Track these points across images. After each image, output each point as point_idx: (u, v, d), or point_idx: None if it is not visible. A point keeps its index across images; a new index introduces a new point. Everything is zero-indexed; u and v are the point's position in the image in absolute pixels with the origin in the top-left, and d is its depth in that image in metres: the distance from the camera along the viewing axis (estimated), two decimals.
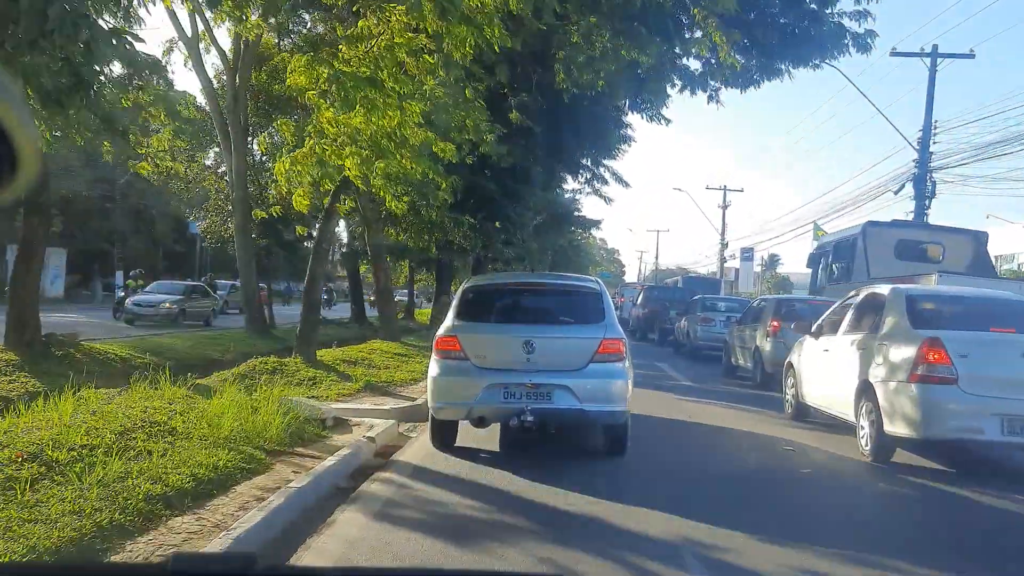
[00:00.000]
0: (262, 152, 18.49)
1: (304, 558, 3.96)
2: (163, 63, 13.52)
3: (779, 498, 5.76)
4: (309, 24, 16.50)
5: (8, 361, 9.19)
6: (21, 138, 0.98)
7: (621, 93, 14.48)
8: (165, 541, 3.88)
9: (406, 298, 37.39)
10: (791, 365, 9.58)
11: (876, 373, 6.97)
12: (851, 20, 11.28)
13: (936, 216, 21.74)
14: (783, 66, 13.92)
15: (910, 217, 21.87)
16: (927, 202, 23.00)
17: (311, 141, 9.21)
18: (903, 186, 24.18)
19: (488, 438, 7.24)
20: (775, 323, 12.81)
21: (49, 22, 5.03)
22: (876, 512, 5.66)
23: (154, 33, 36.77)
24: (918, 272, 13.29)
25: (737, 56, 11.27)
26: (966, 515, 5.59)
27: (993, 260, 17.50)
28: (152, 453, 5.16)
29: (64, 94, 5.82)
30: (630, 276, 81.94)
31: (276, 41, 16.67)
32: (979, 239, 16.23)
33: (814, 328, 9.03)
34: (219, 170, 21.44)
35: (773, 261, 67.94)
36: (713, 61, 13.73)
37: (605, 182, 24.70)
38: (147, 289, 24.31)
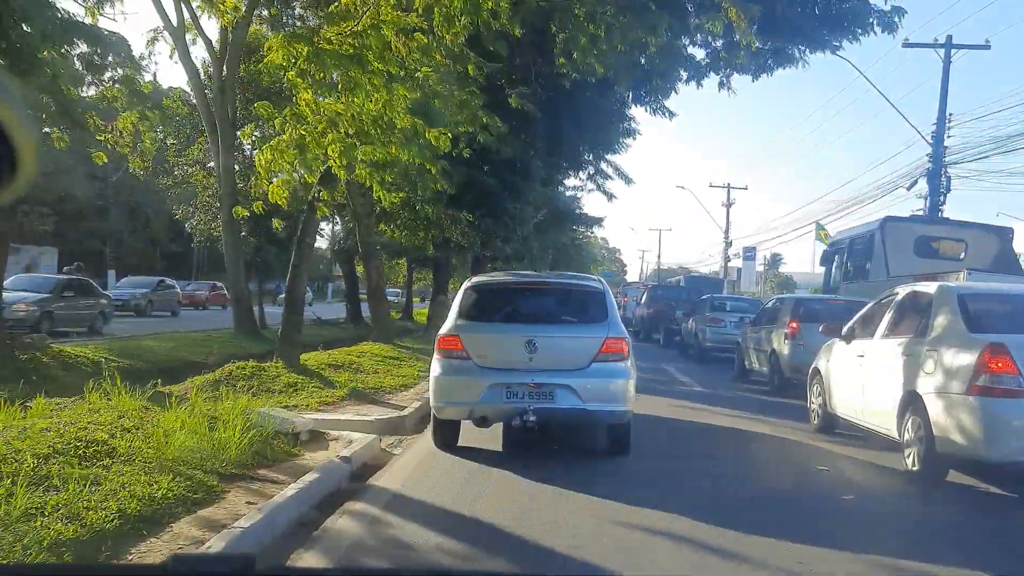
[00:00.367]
0: (246, 141, 17.61)
1: None
2: (131, 45, 12.68)
3: (823, 534, 4.80)
4: (300, 15, 15.77)
5: None
6: (21, 138, 1.01)
7: (624, 81, 13.56)
8: None
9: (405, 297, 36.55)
10: (818, 372, 8.67)
11: (925, 383, 6.07)
12: None
13: (947, 213, 21.08)
14: (797, 51, 13.09)
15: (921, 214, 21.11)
16: (942, 198, 22.20)
17: (290, 127, 8.42)
18: (915, 182, 23.38)
19: (489, 439, 7.06)
20: (793, 324, 11.92)
21: None
22: (944, 547, 4.73)
23: (137, 20, 36.24)
24: (941, 270, 12.44)
25: (754, 36, 10.38)
26: None
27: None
28: (80, 481, 4.32)
29: None
30: (631, 275, 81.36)
31: (267, 32, 15.85)
32: (1004, 235, 15.51)
33: (845, 331, 8.12)
34: (208, 165, 20.60)
35: (775, 261, 67.41)
36: (723, 45, 12.89)
37: (607, 177, 23.98)
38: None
